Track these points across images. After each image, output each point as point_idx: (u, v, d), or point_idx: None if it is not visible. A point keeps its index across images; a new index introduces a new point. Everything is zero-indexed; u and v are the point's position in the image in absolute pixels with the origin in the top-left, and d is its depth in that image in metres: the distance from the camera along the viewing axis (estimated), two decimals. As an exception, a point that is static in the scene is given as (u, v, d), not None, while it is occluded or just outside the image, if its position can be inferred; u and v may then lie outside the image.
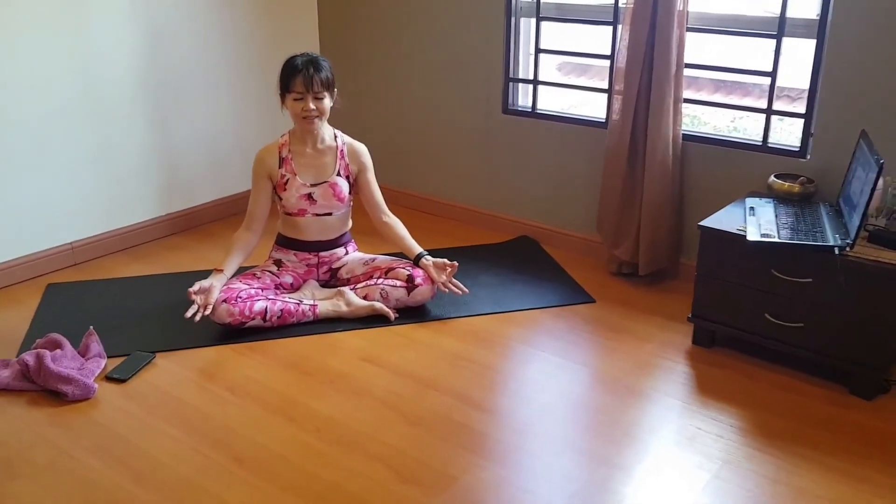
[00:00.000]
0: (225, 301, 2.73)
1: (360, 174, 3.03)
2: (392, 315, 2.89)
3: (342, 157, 2.99)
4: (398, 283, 2.93)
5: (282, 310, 2.81)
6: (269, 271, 2.99)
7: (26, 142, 3.13)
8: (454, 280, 2.95)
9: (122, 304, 3.02)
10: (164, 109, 3.58)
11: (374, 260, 3.07)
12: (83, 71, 3.25)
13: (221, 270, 2.82)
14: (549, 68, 3.73)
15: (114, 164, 3.45)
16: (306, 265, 3.05)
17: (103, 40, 3.29)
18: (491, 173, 3.80)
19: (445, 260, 2.95)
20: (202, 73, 3.69)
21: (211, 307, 2.71)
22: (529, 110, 3.61)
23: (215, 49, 3.71)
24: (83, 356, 2.60)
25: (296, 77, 2.79)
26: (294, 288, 3.03)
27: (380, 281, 2.95)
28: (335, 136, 3.00)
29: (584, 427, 2.34)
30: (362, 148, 3.04)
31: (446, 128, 3.90)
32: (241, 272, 2.95)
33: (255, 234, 2.97)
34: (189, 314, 2.66)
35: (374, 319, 2.89)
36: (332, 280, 3.09)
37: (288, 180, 2.94)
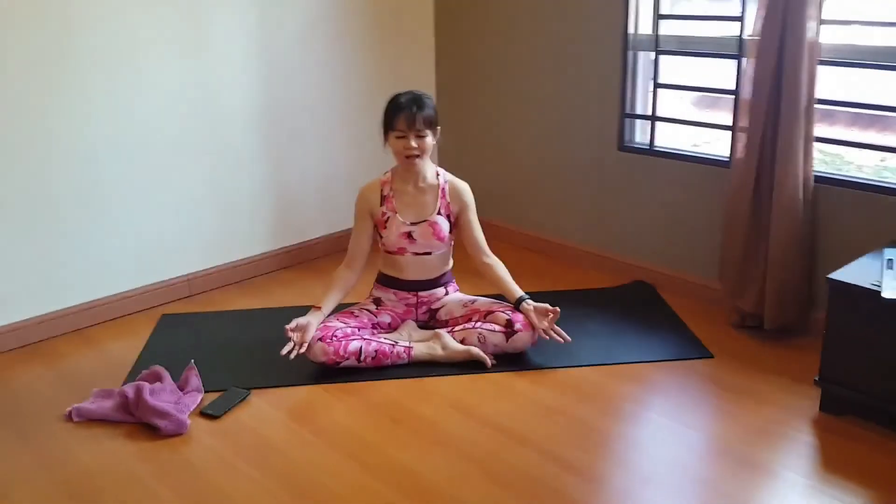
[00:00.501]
0: (320, 339, 2.70)
1: (462, 213, 2.95)
2: (489, 362, 2.77)
3: (443, 195, 2.92)
4: (497, 327, 2.81)
5: (376, 350, 2.75)
6: (368, 310, 2.95)
7: (146, 176, 3.25)
8: (556, 327, 2.80)
9: (228, 337, 3.06)
10: (279, 144, 3.65)
11: (473, 302, 2.97)
12: (201, 106, 3.36)
13: (319, 308, 2.81)
14: (677, 102, 3.52)
15: (229, 199, 3.53)
16: (405, 305, 2.99)
17: (221, 76, 3.40)
18: (604, 212, 3.63)
19: (548, 305, 2.81)
20: (318, 110, 3.73)
21: (307, 345, 2.69)
22: (647, 147, 3.42)
23: (331, 86, 3.76)
24: (182, 389, 2.64)
25: (399, 115, 2.76)
26: (392, 328, 2.97)
27: (478, 325, 2.84)
28: (437, 175, 2.93)
29: (691, 502, 2.12)
30: (464, 186, 2.96)
31: (558, 164, 3.76)
32: (339, 309, 2.92)
33: (354, 273, 2.94)
34: (284, 351, 2.65)
35: (469, 365, 2.77)
36: (431, 321, 3.01)
37: (389, 218, 2.89)
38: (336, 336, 2.73)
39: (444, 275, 3.02)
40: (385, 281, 3.01)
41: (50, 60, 2.91)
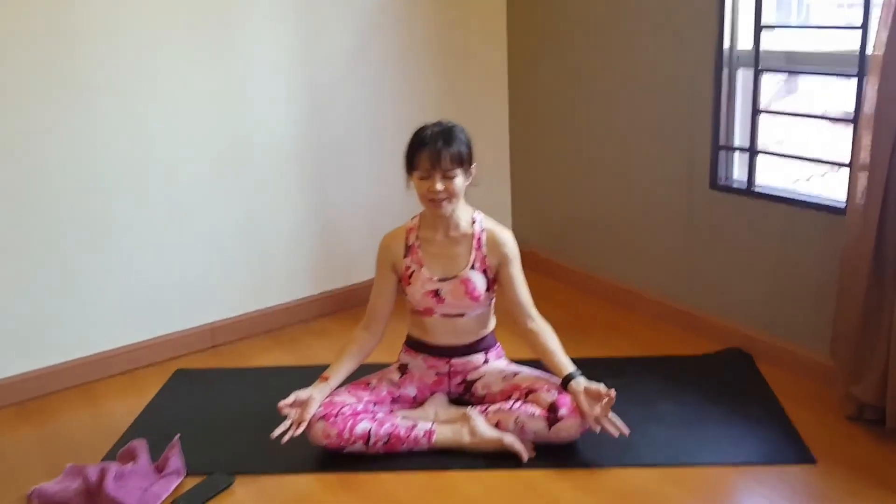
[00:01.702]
0: (323, 418, 2.27)
1: (502, 268, 2.43)
2: (524, 455, 2.24)
3: (479, 246, 2.42)
4: (538, 411, 2.28)
5: (389, 434, 2.28)
6: (389, 380, 2.48)
7: (166, 211, 2.94)
8: (612, 415, 2.24)
9: (243, 402, 2.65)
10: (323, 178, 3.26)
11: (515, 375, 2.45)
12: (232, 135, 3.02)
13: (326, 379, 2.37)
14: (782, 132, 2.89)
15: (262, 237, 3.17)
16: (436, 374, 2.51)
17: (256, 102, 3.05)
18: (693, 261, 3.02)
19: (602, 387, 2.25)
20: (364, 140, 3.33)
21: (305, 424, 2.25)
22: (744, 186, 2.80)
23: (379, 112, 3.34)
24: (160, 471, 2.26)
25: (422, 152, 2.29)
26: (417, 403, 2.49)
27: (516, 406, 2.32)
28: (473, 221, 2.44)
29: None
30: (506, 237, 2.45)
31: (640, 203, 3.19)
32: (356, 377, 2.47)
33: (373, 336, 2.49)
34: (276, 433, 2.22)
35: (503, 456, 2.26)
36: (467, 395, 2.52)
37: (413, 272, 2.43)
38: (343, 413, 2.29)
39: (482, 339, 2.51)
40: (413, 344, 2.54)
41: (57, 80, 2.63)
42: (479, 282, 2.40)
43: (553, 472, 2.21)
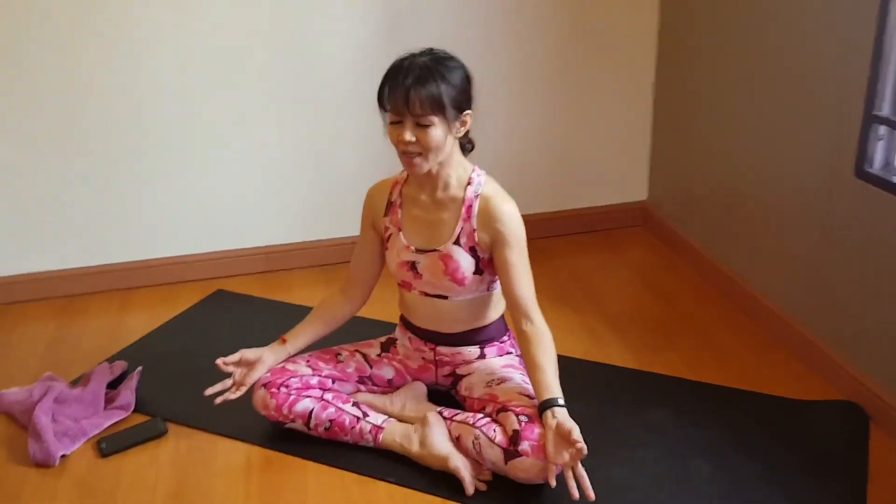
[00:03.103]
0: (265, 386, 1.98)
1: (496, 249, 1.90)
2: (469, 489, 1.79)
3: (468, 216, 1.90)
4: (500, 437, 1.80)
5: (332, 420, 1.95)
6: (364, 355, 2.11)
7: (230, 130, 2.76)
8: (579, 469, 1.68)
9: (257, 340, 2.19)
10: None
11: (501, 382, 1.96)
12: (299, 58, 2.73)
13: (284, 341, 2.07)
14: None
15: (326, 169, 2.88)
16: (423, 358, 2.09)
17: (325, 22, 2.70)
18: (825, 271, 2.21)
19: (575, 429, 1.68)
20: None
21: (245, 389, 1.99)
22: (904, 179, 1.95)
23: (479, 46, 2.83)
24: (112, 401, 2.15)
25: (391, 89, 1.79)
26: (393, 387, 2.11)
27: (481, 423, 1.85)
28: (469, 183, 1.93)
29: None
30: (505, 209, 1.88)
31: (766, 190, 2.41)
32: (323, 346, 2.13)
33: (349, 301, 2.11)
34: (210, 391, 1.99)
35: (447, 481, 1.83)
36: (454, 391, 2.09)
37: (391, 236, 2.00)
38: (288, 386, 1.98)
39: (477, 330, 2.03)
40: (402, 319, 2.15)
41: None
42: (463, 262, 1.91)
43: (500, 519, 1.75)
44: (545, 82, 2.92)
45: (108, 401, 2.15)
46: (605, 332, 2.47)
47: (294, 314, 2.19)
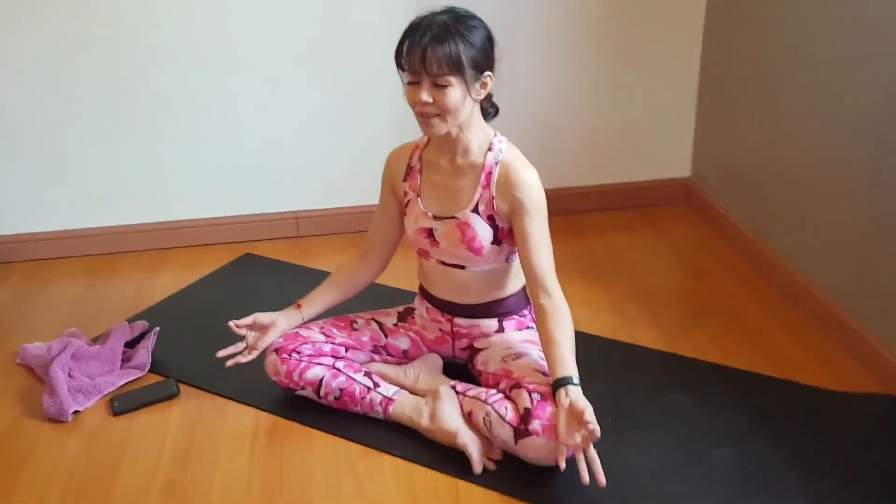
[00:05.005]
0: (276, 351, 1.95)
1: (515, 218, 1.82)
2: (478, 467, 1.73)
3: (487, 184, 1.83)
4: (510, 413, 1.73)
5: (342, 389, 1.91)
6: (380, 324, 2.07)
7: (262, 93, 2.74)
8: (591, 452, 1.61)
9: (281, 305, 2.29)
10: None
11: (518, 357, 1.89)
12: (337, 14, 2.67)
13: (299, 307, 2.03)
14: None
15: (365, 137, 2.83)
16: (440, 329, 2.04)
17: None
18: (875, 252, 2.07)
19: (589, 409, 1.62)
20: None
21: (257, 353, 1.96)
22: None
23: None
24: (129, 360, 2.16)
25: (409, 47, 1.71)
26: (408, 358, 2.06)
27: (493, 398, 1.79)
28: (490, 149, 1.85)
29: None
30: (525, 176, 1.80)
31: (812, 163, 2.26)
32: (341, 313, 2.09)
33: (368, 267, 2.07)
34: (222, 353, 1.96)
35: (455, 458, 1.78)
36: (471, 364, 2.03)
37: (410, 201, 1.94)
38: (299, 352, 1.95)
39: (496, 302, 1.97)
40: (421, 289, 2.09)
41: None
42: (481, 231, 1.84)
43: (509, 500, 1.68)
44: (582, 45, 2.79)
45: (125, 360, 2.16)
46: (636, 312, 2.37)
47: (319, 280, 2.12)
